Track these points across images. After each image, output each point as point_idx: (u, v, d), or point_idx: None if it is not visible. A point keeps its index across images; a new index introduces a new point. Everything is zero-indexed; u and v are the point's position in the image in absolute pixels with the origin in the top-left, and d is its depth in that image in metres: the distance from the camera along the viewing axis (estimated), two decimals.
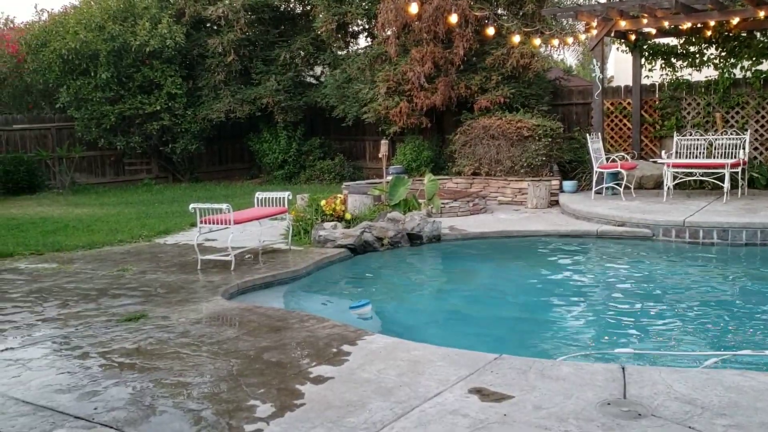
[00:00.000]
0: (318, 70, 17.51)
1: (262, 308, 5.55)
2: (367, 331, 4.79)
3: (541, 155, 11.42)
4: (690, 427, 3.15)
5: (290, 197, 7.86)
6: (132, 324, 5.15)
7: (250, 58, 16.01)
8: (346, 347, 4.46)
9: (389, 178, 11.08)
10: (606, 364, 4.00)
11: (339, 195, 9.11)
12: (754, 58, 11.72)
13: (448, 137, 12.98)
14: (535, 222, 9.67)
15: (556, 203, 11.08)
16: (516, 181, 11.68)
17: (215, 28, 16.59)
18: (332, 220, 8.82)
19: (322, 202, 8.95)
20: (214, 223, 7.00)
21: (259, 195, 8.01)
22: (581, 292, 6.77)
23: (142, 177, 17.02)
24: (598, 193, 10.92)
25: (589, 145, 10.84)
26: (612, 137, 13.09)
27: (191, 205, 7.05)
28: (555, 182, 11.48)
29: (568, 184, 11.64)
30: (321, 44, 15.75)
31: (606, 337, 5.29)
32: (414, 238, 8.62)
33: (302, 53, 15.92)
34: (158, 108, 15.34)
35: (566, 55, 25.45)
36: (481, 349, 4.42)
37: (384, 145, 10.19)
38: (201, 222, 7.08)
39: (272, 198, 7.93)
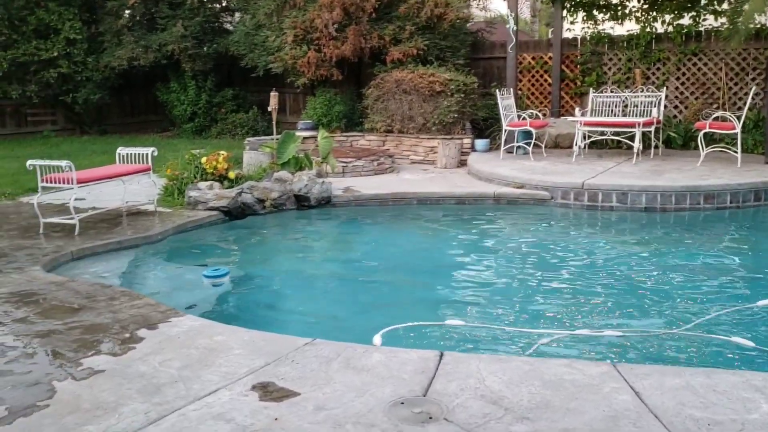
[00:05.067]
0: (238, 16, 16.45)
1: (76, 282, 4.88)
2: (178, 312, 4.19)
3: (453, 112, 10.84)
4: None
5: (155, 153, 7.12)
6: None
7: (155, 1, 14.87)
8: (143, 332, 3.86)
9: (305, 134, 10.43)
10: (422, 351, 3.49)
11: (223, 152, 8.39)
12: (675, 12, 11.26)
13: (363, 91, 12.27)
14: (437, 183, 9.14)
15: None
16: (428, 139, 11.10)
17: None
18: (215, 180, 8.12)
19: (203, 159, 8.22)
20: (55, 182, 6.25)
21: (121, 151, 7.25)
22: (455, 261, 6.27)
23: (45, 128, 15.88)
24: (509, 152, 10.44)
25: (500, 101, 10.29)
26: (533, 93, 12.58)
27: (29, 162, 6.28)
28: (467, 141, 10.94)
29: (480, 143, 11.13)
30: None
31: (450, 311, 4.79)
32: (302, 200, 8.01)
33: None
34: (56, 54, 14.18)
35: (500, 7, 24.61)
36: (329, 327, 3.93)
37: (274, 98, 9.47)
38: (43, 180, 6.31)
39: (135, 154, 7.18)
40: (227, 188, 7.82)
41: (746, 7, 9.35)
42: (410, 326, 4.31)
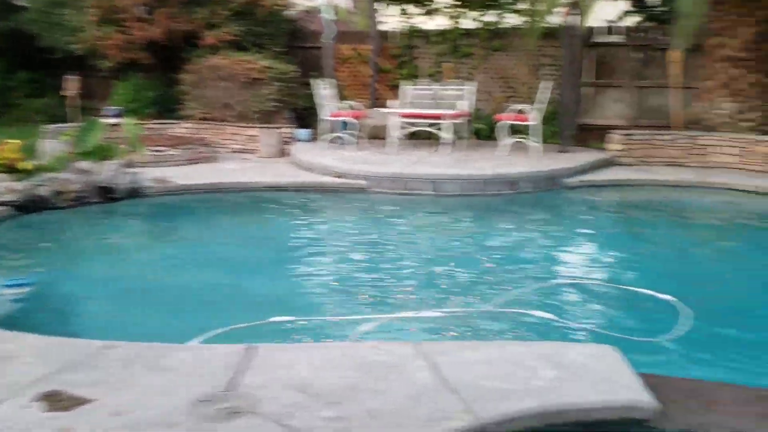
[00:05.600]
0: None
1: None
2: None
3: (273, 100, 10.71)
4: (285, 425, 2.64)
5: None
6: None
7: None
8: None
9: (112, 121, 9.71)
10: (232, 346, 3.40)
11: (13, 141, 7.60)
12: (481, 9, 11.97)
13: (176, 76, 11.71)
14: (257, 172, 8.98)
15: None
16: (248, 127, 10.88)
17: None
18: (5, 171, 7.33)
19: None
20: None
21: None
22: (277, 254, 6.20)
23: None
24: (331, 142, 10.52)
25: (319, 91, 10.33)
26: (352, 84, 12.76)
27: None
28: (288, 130, 10.87)
29: (302, 133, 11.11)
30: None
31: (274, 306, 4.74)
32: (108, 192, 7.47)
33: None
34: None
35: None
36: (136, 333, 3.65)
37: (72, 82, 8.75)
38: None
39: None
40: (20, 180, 7.10)
41: (539, 6, 10.19)
42: (232, 329, 4.15)
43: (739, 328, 4.43)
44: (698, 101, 10.21)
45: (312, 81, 10.85)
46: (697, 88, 10.36)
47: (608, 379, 2.93)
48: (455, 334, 4.17)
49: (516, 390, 2.80)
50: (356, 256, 5.91)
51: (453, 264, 5.68)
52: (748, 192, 8.27)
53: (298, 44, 12.82)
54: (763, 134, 9.49)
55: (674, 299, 4.67)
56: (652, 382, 3.10)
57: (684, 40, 9.60)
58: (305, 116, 11.72)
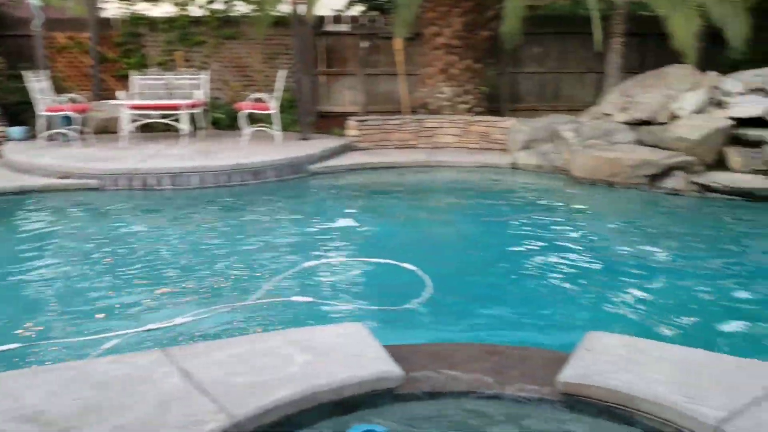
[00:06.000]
0: None
1: None
2: None
3: None
4: None
5: None
6: None
7: None
8: None
9: None
10: None
11: None
12: None
13: None
14: None
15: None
16: None
17: None
18: None
19: None
20: None
21: None
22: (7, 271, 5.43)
23: None
24: (51, 139, 9.47)
25: (32, 84, 9.23)
26: (73, 75, 11.63)
27: None
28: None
29: (15, 131, 9.86)
30: None
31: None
32: None
33: None
34: None
35: None
36: None
37: None
38: None
39: None
40: None
41: None
42: None
43: (468, 288, 4.93)
44: (422, 86, 11.07)
45: (23, 73, 9.64)
46: (420, 74, 11.23)
47: (358, 355, 3.03)
48: (214, 333, 4.01)
49: (269, 381, 2.77)
50: (90, 266, 5.37)
51: (202, 261, 5.47)
52: (468, 168, 9.21)
53: (2, 32, 11.32)
54: (477, 115, 10.62)
55: (416, 268, 5.05)
56: (398, 351, 3.29)
57: (403, 29, 10.32)
58: (20, 112, 10.40)
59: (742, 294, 4.77)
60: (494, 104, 11.58)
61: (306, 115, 10.57)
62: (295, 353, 3.02)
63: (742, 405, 2.60)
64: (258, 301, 4.51)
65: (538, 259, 5.60)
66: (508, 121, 9.94)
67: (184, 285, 4.93)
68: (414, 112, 11.06)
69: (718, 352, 3.65)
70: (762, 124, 7.97)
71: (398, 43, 11.09)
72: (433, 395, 2.91)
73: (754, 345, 3.93)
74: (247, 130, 9.66)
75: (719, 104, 8.36)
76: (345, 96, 12.22)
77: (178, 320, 4.20)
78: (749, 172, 7.66)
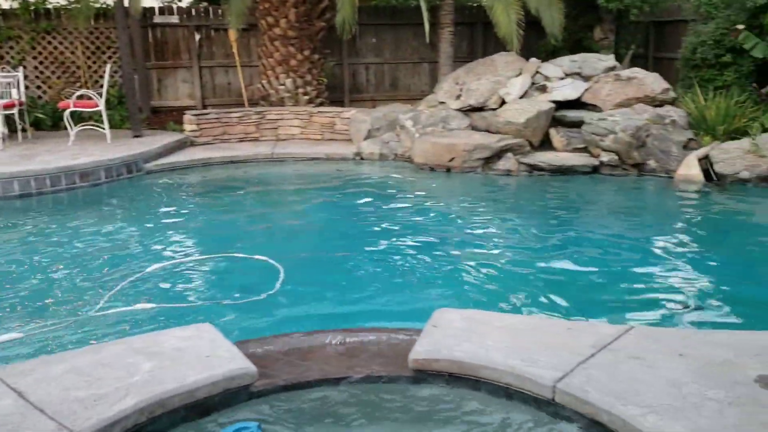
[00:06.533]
0: None
1: None
2: None
3: None
4: None
5: None
6: None
7: None
8: None
9: None
10: None
11: None
12: None
13: None
14: None
15: None
16: None
17: None
18: None
19: None
20: None
21: None
22: None
23: None
24: None
25: None
26: None
27: None
28: None
29: None
30: None
31: None
32: None
33: None
34: None
35: None
36: None
37: None
38: None
39: None
40: None
41: None
42: None
43: (321, 276, 4.97)
44: (262, 78, 10.90)
45: None
46: (259, 66, 11.05)
47: (208, 356, 2.95)
48: (50, 350, 3.70)
49: (113, 392, 2.62)
50: None
51: (31, 275, 5.02)
52: (313, 159, 9.22)
53: None
54: (318, 106, 10.65)
55: (266, 258, 5.00)
56: (250, 347, 3.25)
57: (238, 20, 10.09)
58: None
59: (566, 263, 5.20)
60: (336, 95, 11.67)
61: (137, 111, 10.04)
62: (140, 361, 2.88)
63: (574, 363, 2.84)
64: (99, 313, 4.21)
65: (385, 243, 5.74)
66: (350, 112, 10.07)
67: (11, 301, 4.51)
68: (255, 104, 10.88)
69: (550, 317, 3.97)
70: (580, 105, 8.72)
71: (233, 35, 10.84)
72: (287, 388, 2.90)
73: (581, 306, 4.30)
74: (74, 129, 9.00)
75: (543, 89, 9.02)
76: (180, 90, 11.74)
77: (4, 338, 3.84)
78: (571, 151, 8.35)
